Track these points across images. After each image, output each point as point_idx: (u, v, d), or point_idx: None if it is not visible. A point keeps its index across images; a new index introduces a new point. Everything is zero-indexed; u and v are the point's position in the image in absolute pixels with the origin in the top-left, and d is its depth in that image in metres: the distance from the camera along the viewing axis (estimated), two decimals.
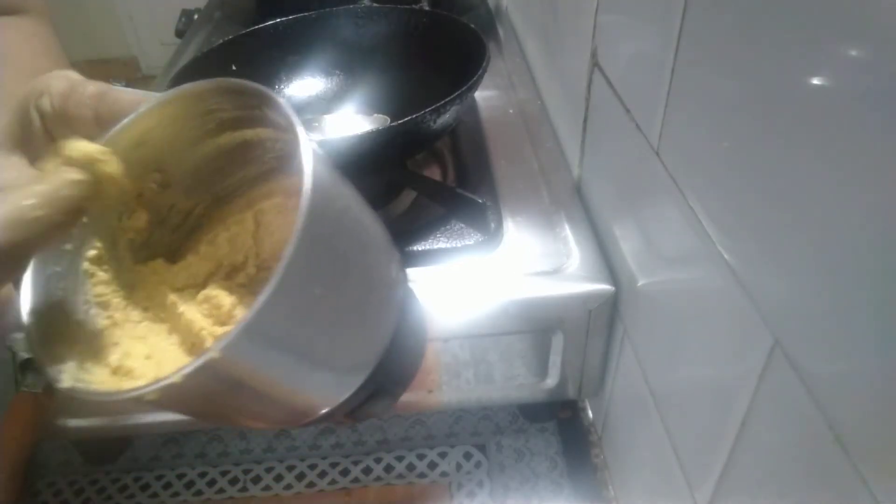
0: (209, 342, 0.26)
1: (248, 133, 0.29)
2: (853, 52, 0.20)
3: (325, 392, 0.27)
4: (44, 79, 0.28)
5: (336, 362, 0.27)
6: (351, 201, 0.27)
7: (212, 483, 0.59)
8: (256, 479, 0.59)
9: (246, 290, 0.29)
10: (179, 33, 1.01)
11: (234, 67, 0.61)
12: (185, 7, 1.05)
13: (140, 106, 0.26)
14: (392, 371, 0.29)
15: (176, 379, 0.20)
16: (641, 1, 0.39)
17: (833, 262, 0.22)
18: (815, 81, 0.22)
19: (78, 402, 0.28)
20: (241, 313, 0.27)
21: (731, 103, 0.28)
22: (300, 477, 0.59)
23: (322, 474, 0.59)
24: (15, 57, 0.49)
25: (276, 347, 0.23)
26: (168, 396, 0.20)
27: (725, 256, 0.30)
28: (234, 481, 0.59)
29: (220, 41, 0.62)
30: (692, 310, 0.35)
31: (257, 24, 0.64)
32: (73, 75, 0.28)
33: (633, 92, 0.41)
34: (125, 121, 0.26)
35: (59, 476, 0.60)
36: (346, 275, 0.26)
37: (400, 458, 0.59)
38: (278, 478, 0.59)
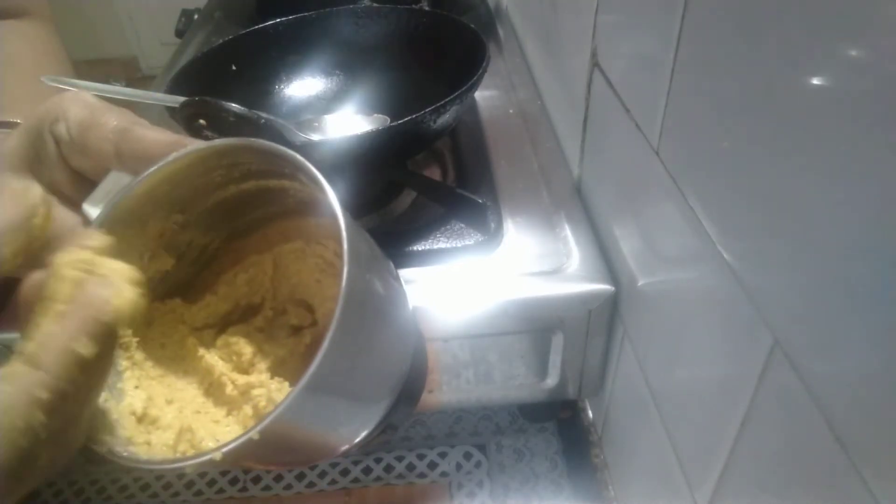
0: (229, 388, 0.27)
1: (273, 182, 0.29)
2: (853, 52, 0.20)
3: (356, 429, 0.28)
4: (59, 102, 0.27)
5: (368, 401, 0.28)
6: (370, 248, 0.28)
7: (212, 483, 0.59)
8: (256, 479, 0.59)
9: (264, 335, 0.30)
10: (179, 33, 1.01)
11: (234, 67, 0.61)
12: (185, 7, 1.05)
13: (163, 148, 0.26)
14: (408, 390, 0.30)
15: (217, 456, 0.21)
16: (641, 1, 0.39)
17: (833, 261, 0.22)
18: (816, 81, 0.22)
19: None
20: (261, 363, 0.29)
21: (731, 103, 0.28)
22: (300, 477, 0.59)
23: (322, 474, 0.59)
24: (18, 60, 0.49)
25: (312, 412, 0.24)
26: (203, 467, 0.22)
27: (725, 256, 0.30)
28: (234, 481, 0.59)
29: (220, 41, 0.62)
30: (692, 310, 0.35)
31: (257, 24, 0.64)
32: (90, 99, 0.27)
33: (633, 92, 0.41)
34: (151, 169, 0.26)
35: (59, 476, 0.60)
36: (372, 334, 0.27)
37: (400, 458, 0.59)
38: (278, 478, 0.59)
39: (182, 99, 0.45)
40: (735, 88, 0.28)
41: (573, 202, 0.55)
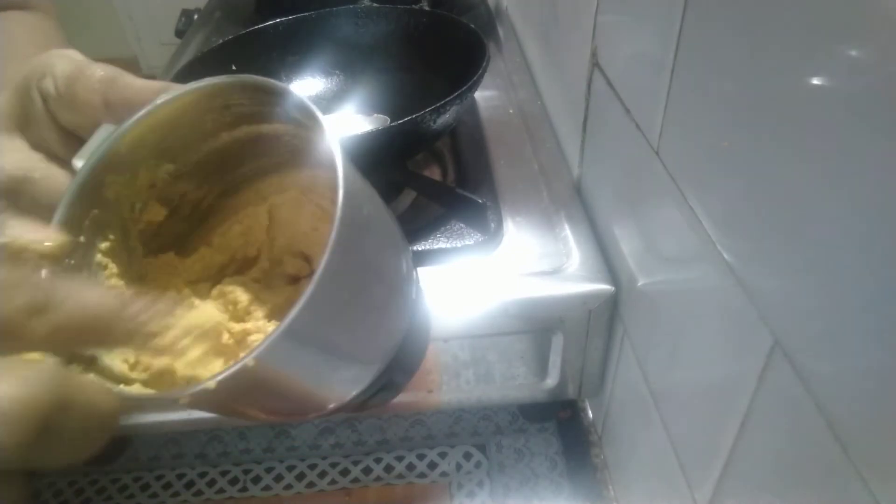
0: (225, 336, 0.26)
1: (265, 127, 0.28)
2: (853, 52, 0.20)
3: (345, 385, 0.28)
4: (45, 58, 0.26)
5: (359, 358, 0.27)
6: (374, 201, 0.27)
7: (212, 483, 0.59)
8: (256, 479, 0.59)
9: (260, 285, 0.29)
10: (179, 33, 1.01)
11: (233, 67, 0.61)
12: (185, 7, 1.05)
13: (153, 95, 0.26)
14: (402, 362, 0.29)
15: (210, 384, 0.20)
16: (641, 1, 0.39)
17: (833, 261, 0.22)
18: (815, 82, 0.22)
19: None
20: (258, 310, 0.28)
21: (730, 103, 0.28)
22: (300, 477, 0.59)
23: (322, 474, 0.59)
24: (16, 47, 0.49)
25: (306, 350, 0.23)
26: (198, 399, 0.21)
27: (725, 256, 0.30)
28: (234, 481, 0.59)
29: (220, 41, 0.62)
30: (692, 310, 0.35)
31: (257, 24, 0.64)
32: (76, 55, 0.27)
33: (633, 92, 0.41)
34: (140, 112, 0.26)
35: (59, 476, 0.60)
36: (372, 275, 0.26)
37: (400, 458, 0.59)
38: (278, 478, 0.59)
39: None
40: (735, 88, 0.28)
41: (573, 202, 0.55)
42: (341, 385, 0.27)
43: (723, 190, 0.30)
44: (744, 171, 0.28)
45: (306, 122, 0.25)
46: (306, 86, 0.66)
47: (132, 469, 0.60)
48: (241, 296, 0.28)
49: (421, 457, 0.59)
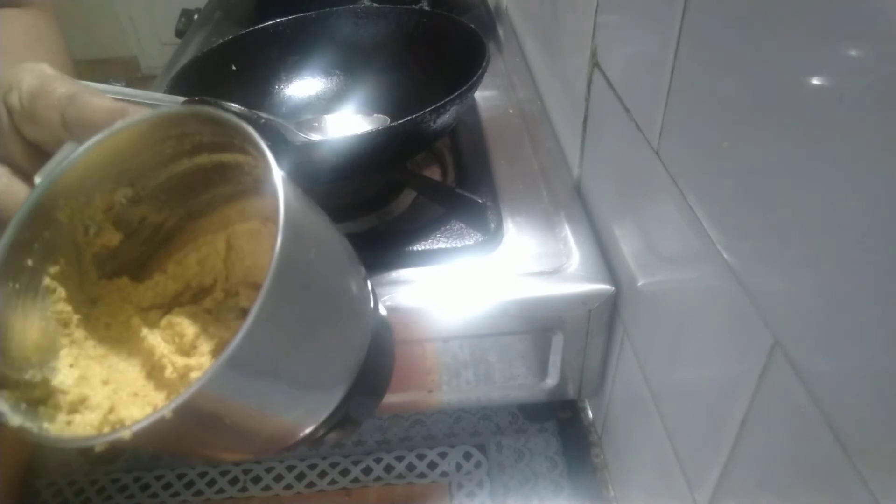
0: (169, 370, 0.26)
1: (226, 157, 0.28)
2: (853, 52, 0.20)
3: (298, 420, 0.27)
4: (14, 72, 0.27)
5: (308, 392, 0.26)
6: (320, 229, 0.26)
7: (212, 483, 0.59)
8: (256, 479, 0.59)
9: (211, 317, 0.29)
10: (179, 33, 1.01)
11: (233, 67, 0.61)
12: (185, 7, 1.05)
13: (110, 116, 0.26)
14: (367, 380, 0.29)
15: (125, 435, 0.19)
16: (641, 1, 0.39)
17: (833, 261, 0.22)
18: (815, 81, 0.22)
19: None
20: (204, 345, 0.27)
21: (730, 103, 0.28)
22: (300, 477, 0.59)
23: (322, 474, 0.59)
24: (9, 45, 0.49)
25: (246, 387, 0.22)
26: (119, 445, 0.20)
27: (725, 256, 0.30)
28: (234, 481, 0.59)
29: (220, 41, 0.62)
30: (692, 310, 0.35)
31: (257, 24, 0.64)
32: (46, 70, 0.27)
33: (633, 92, 0.41)
34: (95, 138, 0.25)
35: (59, 476, 0.60)
36: (316, 307, 0.25)
37: (400, 458, 0.59)
38: (278, 478, 0.59)
39: (182, 99, 0.45)
40: (735, 88, 0.28)
41: (573, 202, 0.55)
42: (298, 418, 0.27)
43: (723, 190, 0.30)
44: (744, 170, 0.28)
45: (256, 154, 0.24)
46: (306, 86, 0.66)
47: (132, 469, 0.60)
48: (188, 328, 0.27)
49: (421, 457, 0.59)
